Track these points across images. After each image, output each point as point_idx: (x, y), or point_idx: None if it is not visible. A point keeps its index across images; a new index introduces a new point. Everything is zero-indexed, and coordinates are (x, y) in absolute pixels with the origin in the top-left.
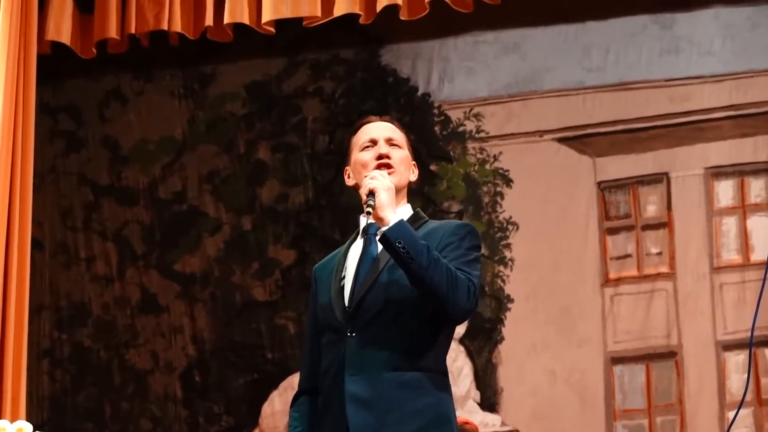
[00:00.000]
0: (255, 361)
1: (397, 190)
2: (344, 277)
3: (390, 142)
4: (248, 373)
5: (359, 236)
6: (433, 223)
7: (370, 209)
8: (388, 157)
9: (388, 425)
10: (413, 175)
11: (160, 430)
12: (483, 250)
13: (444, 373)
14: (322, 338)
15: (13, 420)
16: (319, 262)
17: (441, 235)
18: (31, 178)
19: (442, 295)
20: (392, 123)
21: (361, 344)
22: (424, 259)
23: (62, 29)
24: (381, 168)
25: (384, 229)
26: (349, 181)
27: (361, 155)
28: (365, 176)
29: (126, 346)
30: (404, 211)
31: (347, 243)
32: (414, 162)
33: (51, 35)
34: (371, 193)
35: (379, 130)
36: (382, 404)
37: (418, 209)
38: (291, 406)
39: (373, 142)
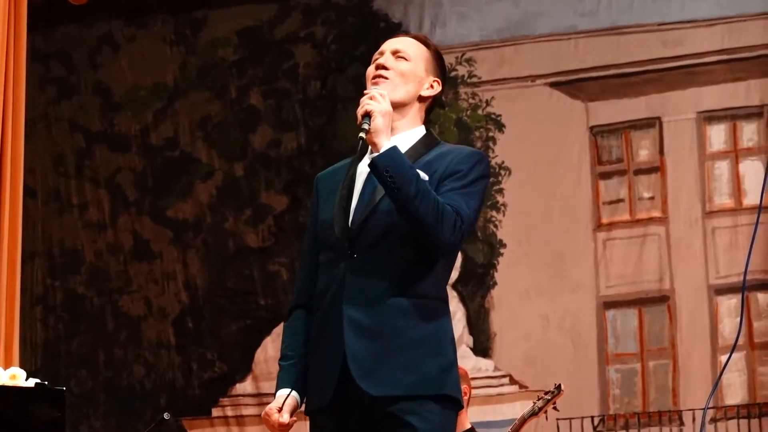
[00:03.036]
0: (248, 308)
1: (399, 105)
2: (348, 195)
3: (396, 53)
4: (241, 320)
5: (367, 153)
6: (445, 147)
7: (363, 133)
8: (385, 67)
9: (388, 353)
10: (426, 92)
11: (153, 376)
12: None
13: (444, 299)
14: (321, 255)
15: (6, 367)
16: (323, 171)
17: (450, 160)
18: (22, 125)
19: (427, 226)
20: (417, 40)
21: (361, 268)
22: (411, 190)
23: None
24: (377, 78)
25: (374, 155)
26: None
27: (369, 68)
28: (364, 93)
29: (119, 292)
30: (417, 132)
31: (353, 158)
32: (437, 79)
33: None
34: (367, 115)
35: (391, 43)
36: (382, 332)
37: (431, 130)
38: (285, 321)
39: (381, 54)
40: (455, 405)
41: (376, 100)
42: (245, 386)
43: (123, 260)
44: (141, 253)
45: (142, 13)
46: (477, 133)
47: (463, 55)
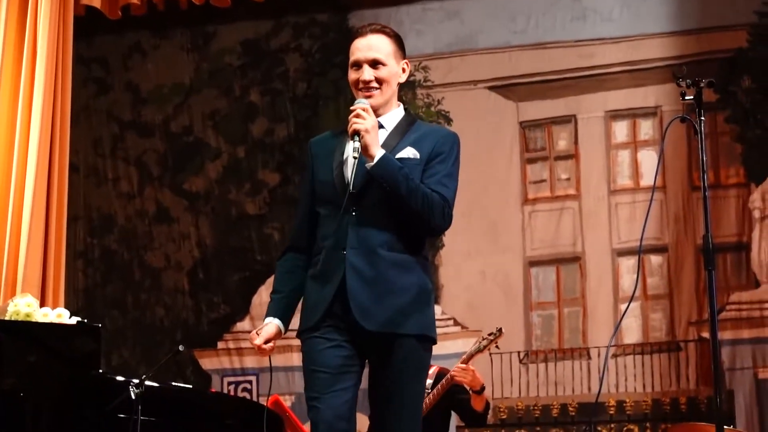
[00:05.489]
0: (247, 262)
1: (387, 100)
2: (346, 159)
3: (374, 63)
4: (241, 272)
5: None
6: (423, 127)
7: (356, 153)
8: (369, 83)
9: (382, 296)
10: (402, 77)
11: (171, 315)
12: None
13: (425, 256)
14: (320, 209)
15: (54, 307)
16: (316, 137)
17: (434, 142)
18: (68, 116)
19: (419, 216)
20: (381, 34)
21: (361, 223)
22: (403, 191)
23: None
24: (366, 91)
25: (370, 165)
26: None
27: (350, 73)
28: (350, 110)
29: (144, 249)
30: (398, 113)
31: (343, 133)
32: (405, 60)
33: (85, 0)
34: (356, 133)
35: (364, 51)
36: (377, 278)
37: (408, 108)
38: (278, 260)
39: (358, 65)
40: (431, 342)
41: (361, 117)
42: (244, 324)
43: (148, 223)
44: (162, 218)
45: (165, 27)
46: None
47: (420, 63)
